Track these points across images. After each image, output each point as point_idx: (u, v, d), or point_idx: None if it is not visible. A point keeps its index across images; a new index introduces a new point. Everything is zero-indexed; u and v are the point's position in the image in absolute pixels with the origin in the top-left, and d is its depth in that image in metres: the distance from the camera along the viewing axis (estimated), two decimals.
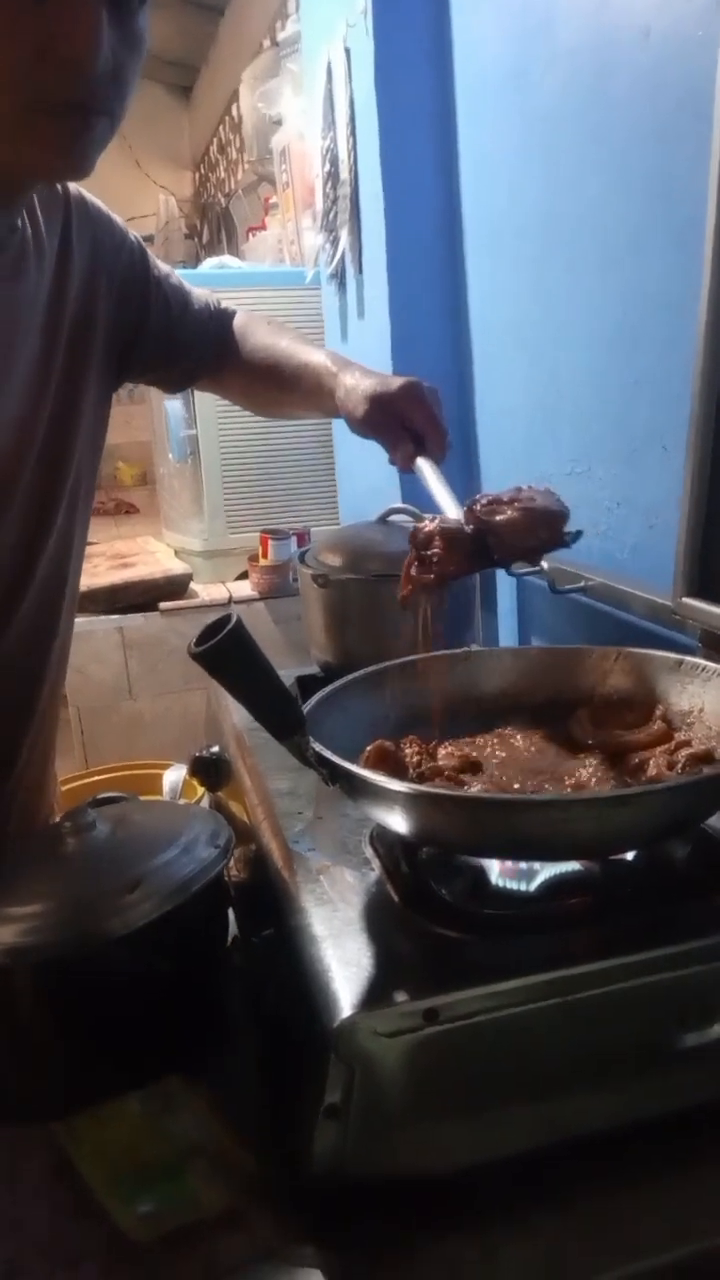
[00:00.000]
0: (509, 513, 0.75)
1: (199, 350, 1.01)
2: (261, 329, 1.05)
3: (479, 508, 0.76)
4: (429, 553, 0.76)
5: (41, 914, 0.63)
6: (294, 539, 2.28)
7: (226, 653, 0.58)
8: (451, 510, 0.83)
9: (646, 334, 1.01)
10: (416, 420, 0.91)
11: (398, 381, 0.93)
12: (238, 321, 1.05)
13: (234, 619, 0.58)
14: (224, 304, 1.05)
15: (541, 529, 0.76)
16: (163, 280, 0.97)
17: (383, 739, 0.70)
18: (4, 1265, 0.54)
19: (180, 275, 1.01)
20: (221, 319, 1.04)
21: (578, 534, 0.78)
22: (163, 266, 0.98)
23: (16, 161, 0.67)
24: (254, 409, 1.11)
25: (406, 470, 0.92)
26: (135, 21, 0.65)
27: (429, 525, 0.77)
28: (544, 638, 1.35)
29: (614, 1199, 0.55)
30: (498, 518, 0.75)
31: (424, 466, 0.90)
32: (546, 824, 0.57)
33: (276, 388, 1.03)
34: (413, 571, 0.77)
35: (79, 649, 1.06)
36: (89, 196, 0.89)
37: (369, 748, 0.69)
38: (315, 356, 1.00)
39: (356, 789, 0.62)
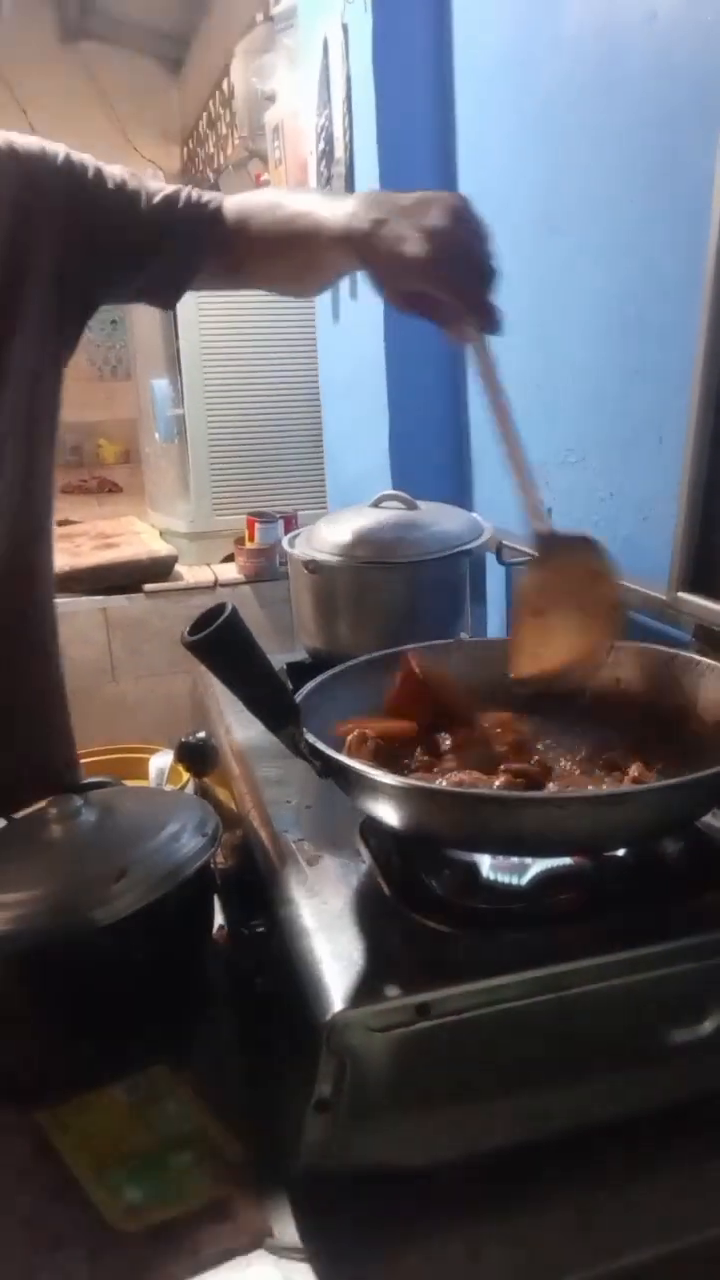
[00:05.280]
0: None
1: (174, 253, 0.92)
2: (259, 205, 0.94)
3: None
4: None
5: (27, 901, 0.62)
6: (281, 522, 2.27)
7: (221, 642, 0.57)
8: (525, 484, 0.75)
9: (647, 323, 1.00)
10: (466, 298, 0.77)
11: (441, 246, 0.78)
12: (233, 208, 0.94)
13: (229, 608, 0.57)
14: (204, 196, 0.94)
15: None
16: (99, 191, 0.89)
17: (360, 726, 0.69)
18: None
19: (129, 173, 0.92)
20: (198, 212, 0.93)
21: None
22: (103, 172, 0.89)
23: None
24: (275, 291, 1.06)
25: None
26: None
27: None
28: None
29: (599, 1195, 0.55)
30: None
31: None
32: (543, 820, 0.56)
33: (293, 267, 0.95)
34: None
35: (61, 630, 1.05)
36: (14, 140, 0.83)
37: (349, 738, 0.68)
38: (323, 214, 0.85)
39: (350, 782, 0.61)
